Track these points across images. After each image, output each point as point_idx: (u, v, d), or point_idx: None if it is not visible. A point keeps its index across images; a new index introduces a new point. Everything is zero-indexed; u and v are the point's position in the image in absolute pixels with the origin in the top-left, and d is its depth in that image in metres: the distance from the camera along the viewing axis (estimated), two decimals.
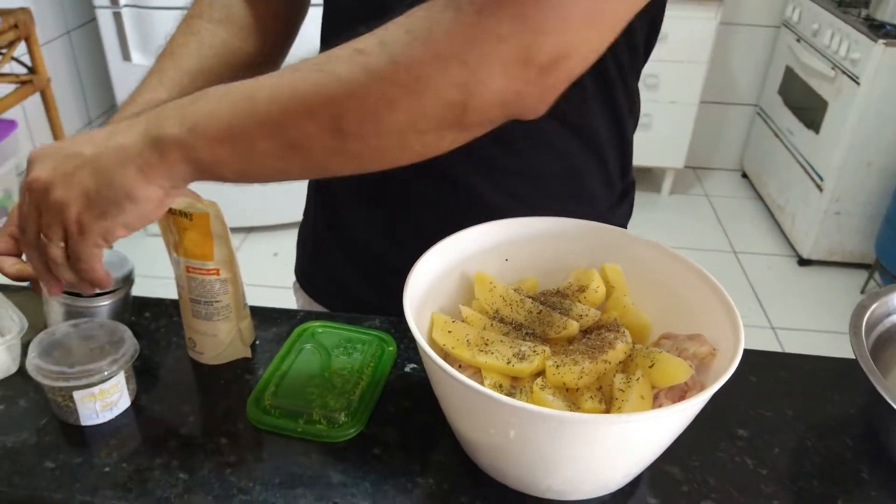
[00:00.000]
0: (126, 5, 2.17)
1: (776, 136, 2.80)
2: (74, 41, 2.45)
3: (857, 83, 2.25)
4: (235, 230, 2.07)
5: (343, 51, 0.45)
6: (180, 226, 0.59)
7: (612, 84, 0.65)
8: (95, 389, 0.57)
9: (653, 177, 2.98)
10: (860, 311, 0.61)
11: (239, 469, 0.56)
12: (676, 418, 0.46)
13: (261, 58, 0.73)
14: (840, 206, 2.43)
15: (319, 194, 0.81)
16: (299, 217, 0.89)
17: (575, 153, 0.68)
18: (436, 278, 0.58)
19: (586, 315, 0.56)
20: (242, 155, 0.48)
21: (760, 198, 2.93)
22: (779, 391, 0.65)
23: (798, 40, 2.64)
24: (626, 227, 0.77)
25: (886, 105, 2.25)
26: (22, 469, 0.56)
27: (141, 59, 2.24)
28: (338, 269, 0.81)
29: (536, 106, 0.45)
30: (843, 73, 2.32)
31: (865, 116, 2.28)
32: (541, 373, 0.52)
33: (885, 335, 0.62)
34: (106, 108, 2.69)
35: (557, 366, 0.51)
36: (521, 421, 0.44)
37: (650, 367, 0.51)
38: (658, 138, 2.75)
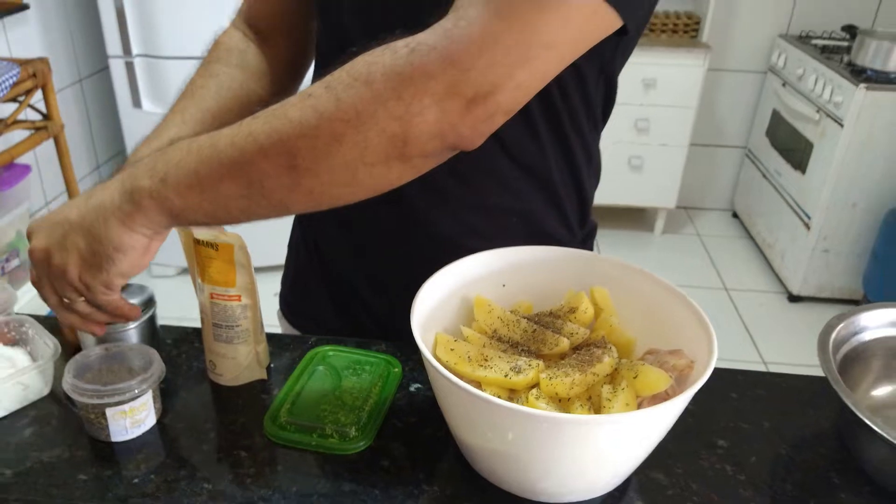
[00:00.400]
0: (138, 55, 2.26)
1: (764, 176, 2.88)
2: (86, 89, 2.55)
3: (841, 125, 2.34)
4: None
5: (295, 97, 0.52)
6: (206, 256, 0.65)
7: (566, 135, 0.70)
8: (126, 407, 0.62)
9: (646, 217, 3.06)
10: (828, 330, 0.67)
11: (258, 479, 0.61)
12: (658, 418, 0.51)
13: (273, 98, 0.79)
14: (828, 244, 2.50)
15: (302, 217, 0.87)
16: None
17: (529, 193, 0.72)
18: (440, 301, 0.63)
19: (576, 333, 0.62)
20: (210, 199, 0.53)
21: (751, 237, 3.00)
22: (757, 406, 0.70)
23: (784, 85, 2.75)
24: None
25: (869, 147, 2.34)
26: (58, 482, 0.60)
27: (151, 107, 2.33)
28: (312, 297, 0.86)
29: (471, 137, 0.51)
30: (828, 115, 2.42)
31: (849, 158, 2.37)
32: (535, 385, 0.57)
33: (851, 354, 0.68)
34: (114, 153, 2.77)
35: (550, 378, 0.56)
36: (518, 423, 0.50)
37: (634, 377, 0.56)
38: (650, 179, 2.83)
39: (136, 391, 0.63)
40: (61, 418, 0.67)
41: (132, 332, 0.71)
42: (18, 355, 0.71)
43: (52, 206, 2.41)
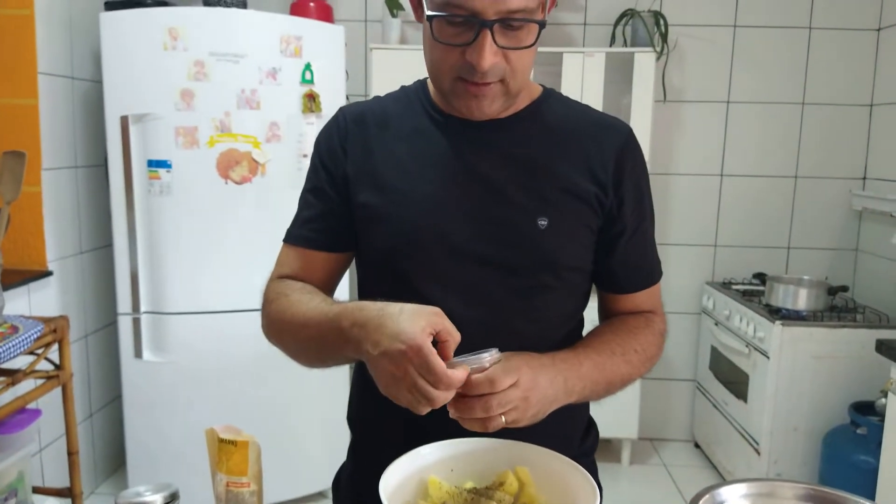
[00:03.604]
0: (145, 312, 2.57)
1: (715, 407, 3.12)
2: (90, 342, 2.82)
3: (768, 357, 2.65)
4: None
5: (629, 355, 1.00)
6: (227, 451, 0.86)
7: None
8: None
9: (612, 448, 3.22)
10: (696, 499, 0.87)
11: None
12: None
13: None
14: (779, 468, 2.67)
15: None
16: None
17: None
18: (403, 479, 0.84)
19: (504, 500, 0.82)
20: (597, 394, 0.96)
21: (713, 465, 3.15)
22: None
23: (716, 324, 3.11)
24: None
25: (796, 375, 2.63)
26: None
27: (151, 357, 2.58)
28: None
29: None
30: (755, 349, 2.74)
31: (781, 386, 2.64)
32: None
33: None
34: (108, 400, 2.96)
35: None
36: None
37: None
38: (609, 410, 3.04)
39: None
40: None
41: None
42: None
43: (47, 449, 2.54)
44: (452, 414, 0.82)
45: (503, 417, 0.80)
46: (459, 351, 0.82)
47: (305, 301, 0.94)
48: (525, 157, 0.97)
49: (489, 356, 0.82)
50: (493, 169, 0.96)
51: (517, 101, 0.98)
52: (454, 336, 0.80)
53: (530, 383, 0.82)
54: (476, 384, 0.79)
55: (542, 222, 0.94)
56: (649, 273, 1.07)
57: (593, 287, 1.08)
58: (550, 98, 1.04)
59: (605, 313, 1.10)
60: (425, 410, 0.78)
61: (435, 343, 0.79)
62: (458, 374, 0.77)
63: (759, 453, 2.70)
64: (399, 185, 0.98)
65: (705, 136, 3.23)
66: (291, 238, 1.06)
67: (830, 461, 2.57)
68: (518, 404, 0.80)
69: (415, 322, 0.77)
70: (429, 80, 1.02)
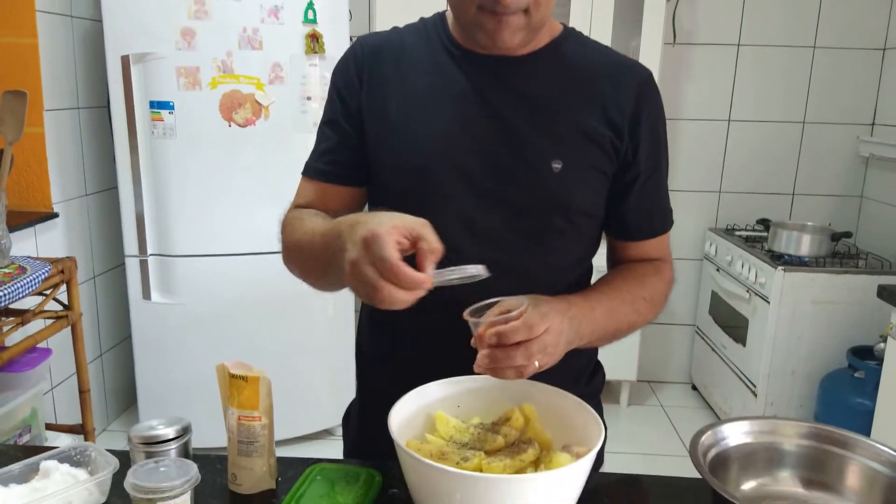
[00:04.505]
0: (152, 254, 2.59)
1: (713, 350, 3.17)
2: (98, 284, 2.85)
3: (768, 302, 2.67)
4: None
5: (638, 300, 1.03)
6: (238, 386, 0.89)
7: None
8: (171, 503, 0.82)
9: (611, 389, 3.28)
10: (696, 438, 0.89)
11: None
12: (563, 477, 0.73)
13: None
14: (775, 409, 2.73)
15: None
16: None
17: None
18: (411, 415, 0.86)
19: (510, 434, 0.85)
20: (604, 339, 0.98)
21: (709, 406, 3.22)
22: (657, 498, 0.91)
23: (717, 270, 3.13)
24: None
25: (796, 320, 2.66)
26: None
27: (160, 298, 2.61)
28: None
29: None
30: (756, 294, 2.76)
31: (780, 330, 2.67)
32: (479, 470, 0.79)
33: (715, 459, 0.90)
34: (118, 340, 3.01)
35: (489, 463, 0.78)
36: (463, 485, 0.71)
37: (549, 461, 0.79)
38: (609, 354, 3.09)
39: (180, 490, 0.83)
40: None
41: (174, 450, 0.92)
42: (81, 474, 0.91)
43: (59, 387, 2.60)
44: (484, 366, 0.80)
45: (537, 363, 0.80)
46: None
47: (318, 222, 0.94)
48: (542, 97, 0.96)
49: (474, 270, 0.79)
50: (510, 108, 0.95)
51: (538, 37, 0.96)
52: (434, 248, 0.76)
53: (559, 327, 0.82)
54: (514, 331, 0.78)
55: (556, 165, 0.94)
56: (661, 221, 1.07)
57: (603, 235, 1.09)
58: (570, 37, 1.02)
59: (614, 261, 1.11)
60: (382, 305, 0.74)
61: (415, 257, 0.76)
62: (419, 276, 0.73)
63: (755, 395, 2.75)
64: (412, 119, 0.97)
65: (714, 80, 3.17)
66: (308, 171, 1.06)
67: (826, 403, 2.62)
68: (551, 349, 0.81)
69: (387, 220, 0.75)
70: (447, 13, 1.00)
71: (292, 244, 0.98)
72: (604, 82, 0.98)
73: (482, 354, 0.80)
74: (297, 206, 1.05)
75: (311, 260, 0.94)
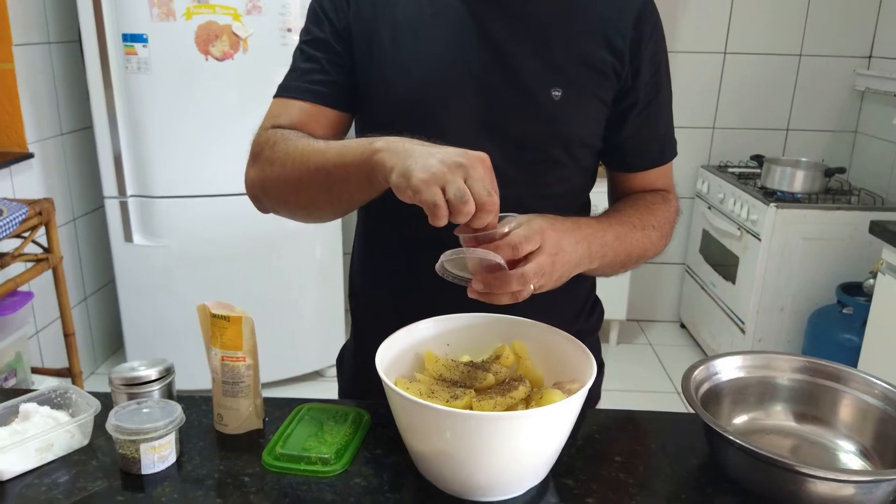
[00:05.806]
0: (132, 195, 2.52)
1: (703, 289, 3.17)
2: (79, 226, 2.79)
3: (759, 240, 2.66)
4: None
5: (646, 230, 0.94)
6: (220, 326, 0.85)
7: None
8: (156, 443, 0.80)
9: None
10: (689, 373, 0.88)
11: (258, 496, 0.78)
12: (554, 414, 0.71)
13: None
14: (763, 346, 2.75)
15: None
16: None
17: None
18: (400, 353, 0.84)
19: (500, 372, 0.82)
20: (606, 266, 0.91)
21: (697, 344, 3.25)
22: (649, 433, 0.90)
23: (709, 208, 3.10)
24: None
25: (786, 257, 2.65)
26: None
27: (142, 241, 2.56)
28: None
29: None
30: (747, 232, 2.74)
31: (770, 267, 2.67)
32: (469, 408, 0.77)
33: (707, 394, 0.88)
34: (102, 284, 2.97)
35: (479, 400, 0.76)
36: (452, 423, 0.69)
37: (540, 398, 0.77)
38: (599, 292, 3.09)
39: (163, 430, 0.81)
40: (100, 461, 0.84)
41: (157, 391, 0.89)
42: (62, 416, 0.88)
43: (44, 331, 2.57)
44: (479, 290, 0.77)
45: (532, 286, 0.76)
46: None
47: (320, 141, 0.87)
48: (540, 21, 0.90)
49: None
50: (506, 33, 0.90)
51: None
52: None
53: (555, 247, 0.78)
54: (495, 250, 0.74)
55: (556, 93, 0.89)
56: (661, 150, 1.02)
57: (600, 169, 1.05)
58: None
59: (616, 196, 1.06)
60: (444, 221, 0.70)
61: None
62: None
63: (743, 332, 2.76)
64: (403, 44, 0.91)
65: (710, 10, 3.08)
66: (290, 90, 0.96)
67: (814, 339, 2.64)
68: (546, 269, 0.77)
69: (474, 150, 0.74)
70: None
71: (278, 164, 0.88)
72: (604, 5, 0.92)
73: (475, 280, 0.77)
74: (276, 127, 0.95)
75: (306, 180, 0.86)
